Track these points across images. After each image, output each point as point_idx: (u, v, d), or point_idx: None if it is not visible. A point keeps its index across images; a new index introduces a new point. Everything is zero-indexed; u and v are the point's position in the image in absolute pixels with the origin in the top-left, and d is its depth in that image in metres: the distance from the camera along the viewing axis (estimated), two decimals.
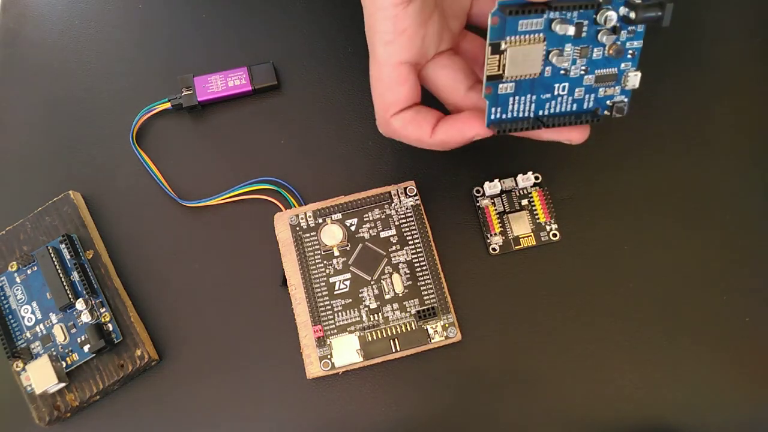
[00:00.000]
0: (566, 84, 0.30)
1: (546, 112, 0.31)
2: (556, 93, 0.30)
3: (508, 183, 0.37)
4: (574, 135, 0.31)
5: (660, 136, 0.39)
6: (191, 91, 0.39)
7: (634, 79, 0.30)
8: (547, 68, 0.29)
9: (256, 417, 0.35)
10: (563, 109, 0.31)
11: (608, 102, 0.31)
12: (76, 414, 0.35)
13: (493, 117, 0.30)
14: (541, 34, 0.28)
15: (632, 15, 0.28)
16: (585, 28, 0.29)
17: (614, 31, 0.29)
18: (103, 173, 0.39)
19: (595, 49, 0.29)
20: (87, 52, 0.41)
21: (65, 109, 0.40)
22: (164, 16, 0.42)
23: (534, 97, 0.30)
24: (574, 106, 0.31)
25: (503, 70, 0.29)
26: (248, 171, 0.38)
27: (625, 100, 0.31)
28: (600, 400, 0.35)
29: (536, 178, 0.38)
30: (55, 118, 0.40)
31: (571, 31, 0.28)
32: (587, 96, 0.31)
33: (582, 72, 0.30)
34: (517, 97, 0.30)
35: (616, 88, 0.31)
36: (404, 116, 0.31)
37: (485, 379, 0.35)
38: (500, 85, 0.29)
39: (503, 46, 0.28)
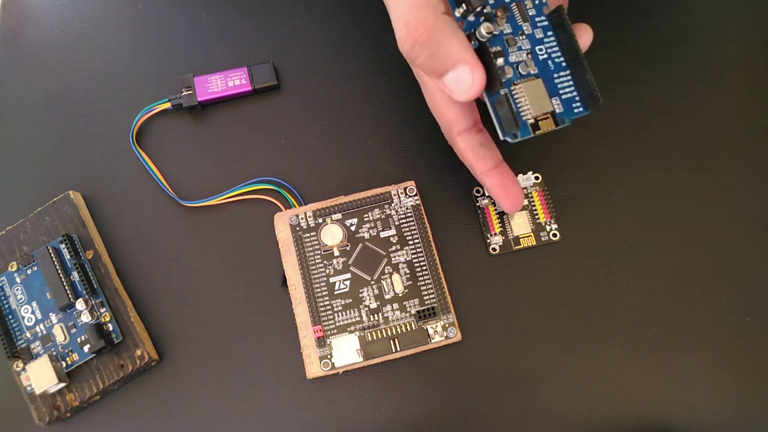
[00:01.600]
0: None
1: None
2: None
3: None
4: (509, 205, 0.34)
5: (660, 136, 0.39)
6: (191, 91, 0.39)
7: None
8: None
9: (256, 417, 0.35)
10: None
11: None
12: (76, 414, 0.35)
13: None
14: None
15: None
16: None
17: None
18: (103, 173, 0.39)
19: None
20: (87, 52, 0.41)
21: (65, 108, 0.40)
22: (164, 16, 0.42)
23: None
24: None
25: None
26: (248, 171, 0.38)
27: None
28: (600, 400, 0.35)
29: (536, 178, 0.38)
30: (55, 118, 0.40)
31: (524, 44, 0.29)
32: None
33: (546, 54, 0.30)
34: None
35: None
36: (468, 142, 0.33)
37: (485, 379, 0.35)
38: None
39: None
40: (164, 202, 0.38)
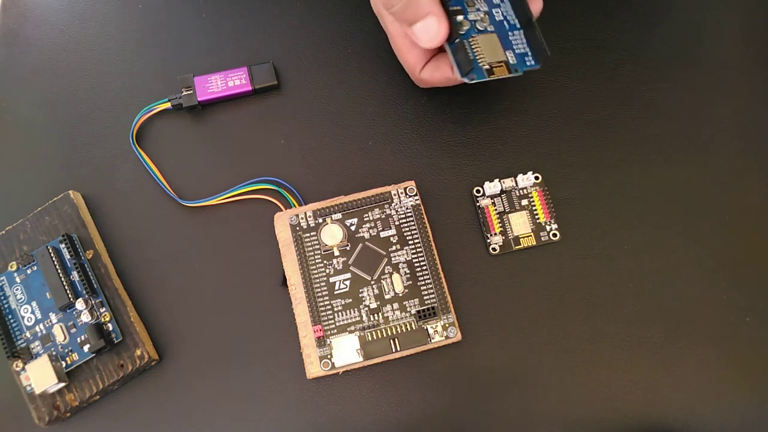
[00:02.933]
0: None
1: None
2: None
3: (508, 183, 0.37)
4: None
5: (660, 136, 0.39)
6: (191, 91, 0.39)
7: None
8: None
9: (256, 417, 0.35)
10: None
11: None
12: (75, 414, 0.35)
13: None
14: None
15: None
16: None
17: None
18: (103, 173, 0.39)
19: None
20: (87, 52, 0.41)
21: (65, 108, 0.40)
22: (164, 16, 0.42)
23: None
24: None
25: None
26: (248, 171, 0.38)
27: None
28: (600, 400, 0.35)
29: (536, 178, 0.38)
30: (55, 118, 0.40)
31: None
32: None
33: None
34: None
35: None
36: (428, 67, 0.36)
37: (485, 379, 0.35)
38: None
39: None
40: (164, 202, 0.38)
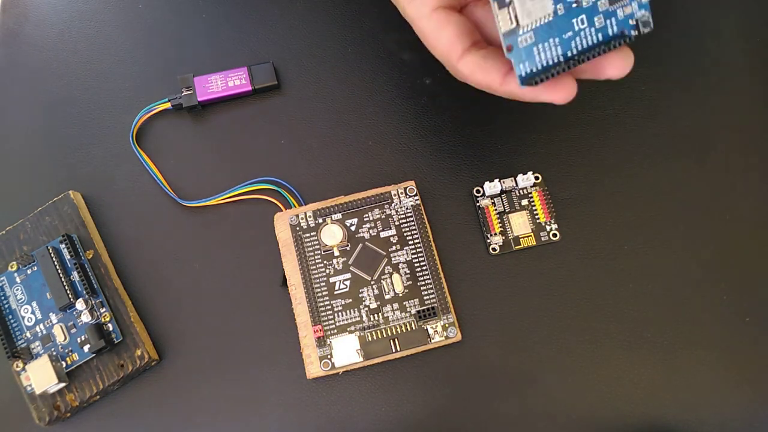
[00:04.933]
0: (583, 16, 0.29)
1: (575, 51, 0.29)
2: (577, 29, 0.29)
3: (508, 183, 0.37)
4: (611, 69, 0.29)
5: (660, 137, 0.39)
6: (191, 91, 0.39)
7: None
8: (559, 6, 0.28)
9: (256, 417, 0.35)
10: (590, 43, 0.29)
11: (631, 21, 0.29)
12: (76, 414, 0.35)
13: (523, 73, 0.28)
14: None
15: None
16: None
17: None
18: (103, 173, 0.39)
19: None
20: (87, 52, 0.41)
21: (65, 109, 0.40)
22: (164, 16, 0.42)
23: (557, 40, 0.29)
24: (600, 36, 0.29)
25: (517, 22, 0.28)
26: (248, 171, 0.38)
27: (647, 13, 0.29)
28: (600, 400, 0.35)
29: (536, 178, 0.38)
30: (56, 118, 0.40)
31: None
32: (608, 21, 0.29)
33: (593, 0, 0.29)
34: (540, 46, 0.28)
35: (633, 4, 0.29)
36: (471, 60, 0.30)
37: (485, 379, 0.35)
38: (519, 39, 0.28)
39: None
40: (164, 202, 0.38)
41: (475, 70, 0.29)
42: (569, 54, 0.29)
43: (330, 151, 0.39)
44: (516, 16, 0.28)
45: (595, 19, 0.29)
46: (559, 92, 0.29)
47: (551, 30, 0.29)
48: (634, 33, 0.30)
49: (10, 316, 0.35)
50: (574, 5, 0.29)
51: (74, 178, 0.39)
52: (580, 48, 0.29)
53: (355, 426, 0.35)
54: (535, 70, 0.28)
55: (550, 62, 0.29)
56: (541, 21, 0.28)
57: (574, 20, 0.29)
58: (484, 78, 0.29)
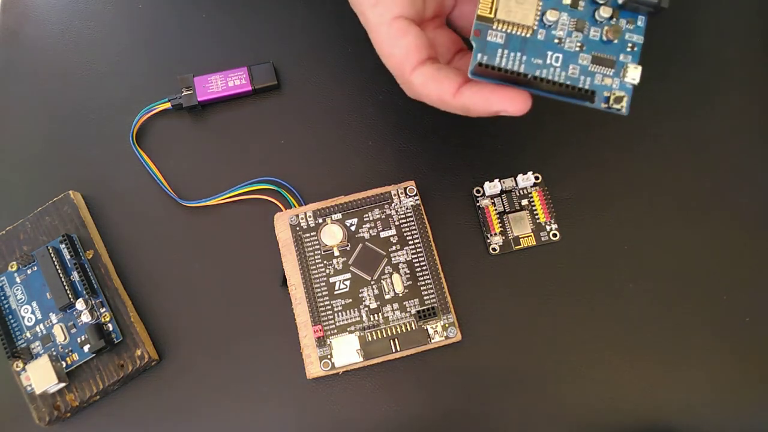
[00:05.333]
0: (560, 55, 0.29)
1: (533, 76, 0.28)
2: (548, 61, 0.29)
3: (508, 183, 0.37)
4: (513, 105, 0.28)
5: (660, 136, 0.39)
6: (191, 91, 0.39)
7: (633, 72, 0.29)
8: (541, 31, 0.28)
9: (256, 417, 0.35)
10: (554, 80, 0.29)
11: (605, 93, 0.29)
12: (76, 414, 0.35)
13: (481, 62, 0.28)
14: None
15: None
16: (582, 1, 0.28)
17: (612, 16, 0.28)
18: (103, 173, 0.39)
19: (593, 28, 0.29)
20: (87, 52, 0.41)
21: (65, 109, 0.40)
22: (164, 16, 0.42)
23: (524, 58, 0.28)
24: (567, 82, 0.29)
25: (494, 13, 0.28)
26: (248, 171, 0.38)
27: (625, 95, 0.29)
28: (600, 400, 0.35)
29: (536, 178, 0.38)
30: (56, 118, 0.40)
31: None
32: (582, 78, 0.29)
33: (578, 48, 0.29)
34: (506, 51, 0.28)
35: (615, 79, 0.29)
36: (424, 72, 0.29)
37: (485, 379, 0.35)
38: (490, 31, 0.28)
39: None
40: (164, 202, 0.38)
41: (428, 81, 0.29)
42: (527, 76, 0.28)
43: (330, 151, 0.39)
44: (496, 8, 0.28)
45: (570, 66, 0.29)
46: (515, 103, 0.28)
47: (524, 46, 0.28)
48: (603, 106, 0.29)
49: (10, 316, 0.35)
50: (556, 41, 0.29)
51: (74, 178, 0.39)
52: (541, 76, 0.28)
53: (355, 426, 0.35)
54: (491, 66, 0.28)
55: (509, 69, 0.28)
56: (517, 31, 0.28)
57: (550, 53, 0.29)
58: (437, 88, 0.29)
